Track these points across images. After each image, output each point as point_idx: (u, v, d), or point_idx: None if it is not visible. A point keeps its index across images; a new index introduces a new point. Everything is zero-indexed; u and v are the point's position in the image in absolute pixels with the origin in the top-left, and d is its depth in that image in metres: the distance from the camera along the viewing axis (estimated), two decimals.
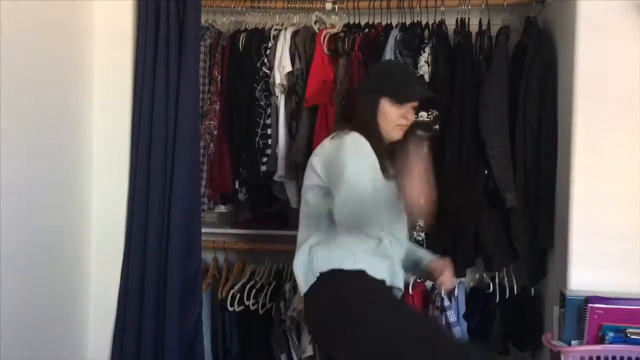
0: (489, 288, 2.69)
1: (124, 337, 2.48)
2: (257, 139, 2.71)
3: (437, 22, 2.65)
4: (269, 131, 2.72)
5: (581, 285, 2.15)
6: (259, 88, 2.70)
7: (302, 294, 1.94)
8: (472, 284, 2.81)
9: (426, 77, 2.53)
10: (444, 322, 2.63)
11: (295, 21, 2.80)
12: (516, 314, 2.64)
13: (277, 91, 2.69)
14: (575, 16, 2.20)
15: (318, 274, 1.88)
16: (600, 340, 1.98)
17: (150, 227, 2.47)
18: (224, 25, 2.85)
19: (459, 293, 2.71)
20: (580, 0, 2.19)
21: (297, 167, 2.62)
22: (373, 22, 2.74)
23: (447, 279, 1.98)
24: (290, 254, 1.98)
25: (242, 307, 2.71)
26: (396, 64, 2.43)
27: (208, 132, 2.69)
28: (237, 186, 2.80)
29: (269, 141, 2.72)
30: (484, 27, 2.62)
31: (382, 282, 1.90)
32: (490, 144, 2.44)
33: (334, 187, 1.84)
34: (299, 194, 2.31)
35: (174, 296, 2.44)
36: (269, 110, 2.72)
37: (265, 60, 2.69)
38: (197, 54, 2.51)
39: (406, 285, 2.74)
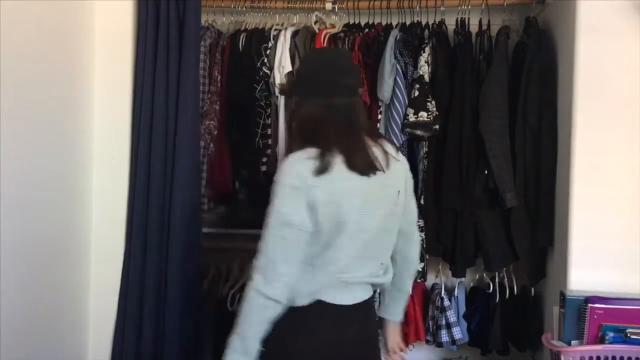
0: (489, 288, 2.69)
1: (124, 337, 2.48)
2: (257, 139, 2.71)
3: (437, 22, 2.65)
4: (269, 131, 2.72)
5: (581, 285, 2.15)
6: (259, 88, 2.70)
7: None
8: (472, 284, 2.82)
9: (426, 77, 2.53)
10: (443, 322, 2.64)
11: (295, 21, 2.81)
12: (516, 314, 2.64)
13: (277, 91, 2.69)
14: (575, 16, 2.20)
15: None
16: (600, 340, 1.98)
17: (150, 227, 2.46)
18: (224, 25, 2.85)
19: (459, 293, 2.71)
20: (580, 0, 2.20)
21: None
22: (373, 22, 2.74)
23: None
24: None
25: None
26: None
27: (208, 132, 2.69)
28: (237, 186, 2.80)
29: (269, 141, 2.72)
30: (484, 27, 2.62)
31: None
32: (490, 143, 2.44)
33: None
34: None
35: (174, 296, 2.44)
36: (269, 110, 2.72)
37: (265, 60, 2.69)
38: (197, 54, 2.51)
39: None
